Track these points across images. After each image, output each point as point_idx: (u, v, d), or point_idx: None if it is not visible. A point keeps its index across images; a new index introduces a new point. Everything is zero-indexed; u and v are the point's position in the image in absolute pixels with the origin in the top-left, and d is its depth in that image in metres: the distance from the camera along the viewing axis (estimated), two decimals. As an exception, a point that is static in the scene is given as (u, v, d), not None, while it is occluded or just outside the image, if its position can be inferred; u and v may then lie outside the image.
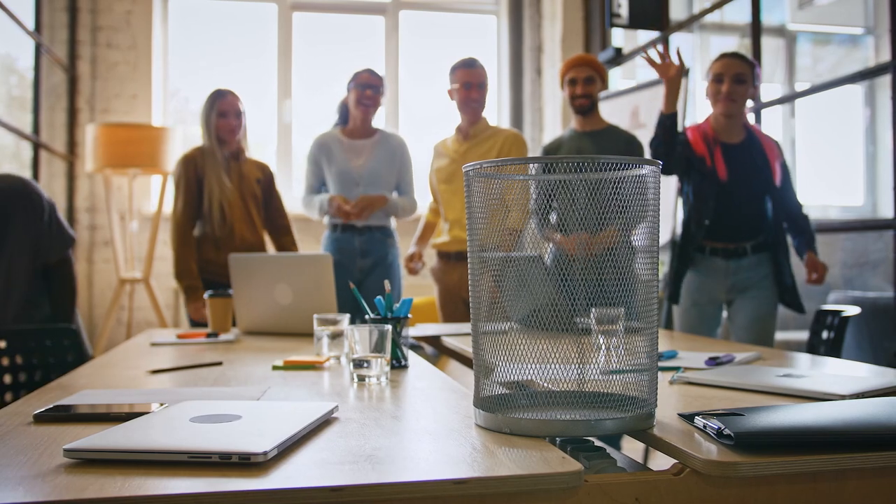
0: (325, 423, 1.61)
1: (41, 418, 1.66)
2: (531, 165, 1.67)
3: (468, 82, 4.71)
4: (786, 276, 4.04)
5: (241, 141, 4.71)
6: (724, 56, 4.12)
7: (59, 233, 3.91)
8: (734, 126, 4.13)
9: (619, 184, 1.53)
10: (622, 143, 4.44)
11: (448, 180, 4.76)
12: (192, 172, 4.58)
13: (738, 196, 4.06)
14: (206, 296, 3.55)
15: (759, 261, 4.07)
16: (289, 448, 1.38)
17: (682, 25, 6.72)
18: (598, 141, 4.48)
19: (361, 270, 4.79)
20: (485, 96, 4.79)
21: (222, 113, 4.60)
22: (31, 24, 6.67)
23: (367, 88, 4.80)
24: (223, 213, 4.55)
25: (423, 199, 5.16)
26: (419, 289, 6.87)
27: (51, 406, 1.73)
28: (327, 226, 4.92)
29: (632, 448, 4.56)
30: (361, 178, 4.79)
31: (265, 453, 1.27)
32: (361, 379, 2.15)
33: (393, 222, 4.98)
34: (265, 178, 4.80)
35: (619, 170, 1.53)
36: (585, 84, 4.50)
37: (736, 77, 4.04)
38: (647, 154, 4.28)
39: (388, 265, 4.89)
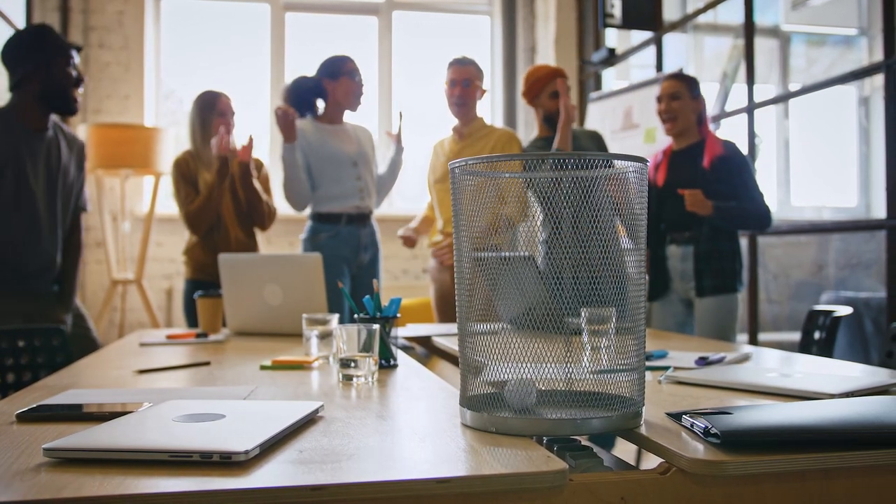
0: (309, 422, 1.60)
1: (24, 418, 1.64)
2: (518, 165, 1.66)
3: (453, 80, 4.70)
4: (700, 261, 4.24)
5: (232, 141, 4.69)
6: (664, 79, 4.48)
7: (83, 193, 4.18)
8: (682, 135, 4.42)
9: (610, 181, 1.52)
10: (591, 142, 4.62)
11: (443, 179, 4.74)
12: (188, 173, 4.56)
13: (673, 195, 4.29)
14: (195, 296, 3.54)
15: (690, 253, 4.29)
16: (271, 447, 1.37)
17: (676, 26, 6.71)
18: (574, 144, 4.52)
19: (360, 266, 4.74)
20: (472, 94, 4.73)
21: (221, 112, 4.60)
22: (22, 25, 6.65)
23: (362, 79, 4.76)
24: (218, 215, 4.54)
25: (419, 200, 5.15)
26: (413, 290, 6.87)
27: (33, 406, 1.72)
28: (318, 218, 4.69)
29: (625, 449, 4.55)
30: (359, 157, 4.69)
31: (246, 452, 1.26)
32: (349, 378, 2.14)
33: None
34: (255, 170, 4.76)
35: (607, 167, 1.52)
36: (566, 94, 4.53)
37: (671, 96, 4.37)
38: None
39: (379, 257, 4.89)
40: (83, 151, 4.19)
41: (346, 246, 4.61)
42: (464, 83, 4.68)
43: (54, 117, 4.00)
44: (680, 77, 4.40)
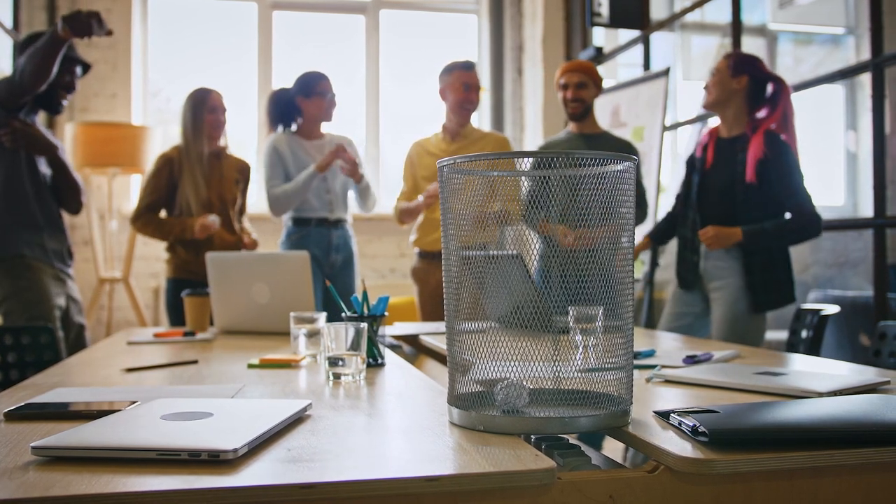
0: (297, 420, 1.59)
1: (11, 416, 1.64)
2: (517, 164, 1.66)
3: (468, 84, 4.76)
4: (755, 274, 3.95)
5: (224, 138, 4.71)
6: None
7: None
8: (725, 120, 4.15)
9: (598, 180, 1.52)
10: (619, 149, 4.46)
11: (432, 178, 4.76)
12: (167, 174, 4.57)
13: (713, 184, 4.10)
14: (183, 295, 3.53)
15: (728, 253, 4.01)
16: (260, 445, 1.36)
17: (663, 25, 6.72)
18: (594, 144, 4.52)
19: (333, 266, 4.79)
20: (478, 99, 4.85)
21: (212, 109, 4.60)
22: (9, 23, 6.63)
23: (333, 95, 4.87)
24: (200, 214, 4.54)
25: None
26: (401, 288, 6.86)
27: (21, 404, 1.71)
28: (291, 221, 4.85)
29: (613, 448, 4.56)
30: (329, 171, 4.78)
31: (235, 450, 1.25)
32: (337, 377, 2.14)
33: (350, 217, 4.98)
34: (243, 180, 4.79)
35: (596, 166, 1.52)
36: (577, 89, 4.54)
37: (711, 71, 4.14)
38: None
39: (353, 261, 4.96)
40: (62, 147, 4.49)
41: (315, 246, 4.70)
42: (477, 88, 4.78)
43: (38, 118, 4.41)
44: (728, 54, 4.15)
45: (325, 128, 4.93)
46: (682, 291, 4.24)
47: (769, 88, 4.08)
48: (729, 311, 3.99)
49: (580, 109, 4.56)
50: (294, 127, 4.91)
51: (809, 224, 3.90)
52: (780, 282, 3.96)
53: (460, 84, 4.77)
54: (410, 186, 4.96)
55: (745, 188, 3.96)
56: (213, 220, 4.45)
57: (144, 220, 4.57)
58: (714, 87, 4.11)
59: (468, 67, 4.81)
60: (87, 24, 3.82)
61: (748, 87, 4.05)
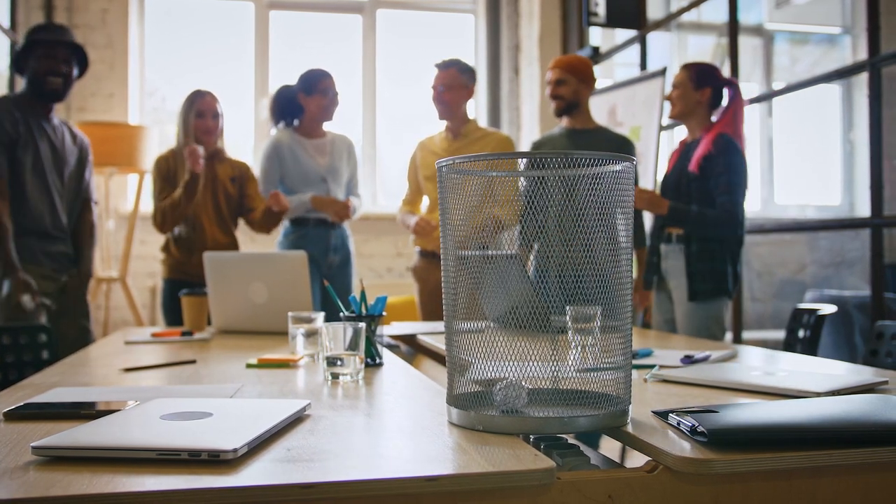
0: (297, 420, 1.59)
1: (11, 416, 1.64)
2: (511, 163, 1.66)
3: (433, 84, 4.74)
4: (692, 264, 4.11)
5: (219, 142, 4.68)
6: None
7: (90, 186, 4.61)
8: (690, 126, 4.34)
9: (595, 180, 1.52)
10: (614, 144, 4.46)
11: (434, 177, 4.75)
12: (167, 173, 4.56)
13: (669, 183, 4.30)
14: (180, 294, 3.53)
15: (680, 251, 4.18)
16: (259, 445, 1.36)
17: (660, 24, 6.72)
18: (585, 139, 4.50)
19: (331, 266, 4.79)
20: (449, 98, 4.77)
21: (200, 113, 4.57)
22: (6, 23, 6.63)
23: (336, 94, 4.86)
24: (193, 216, 4.52)
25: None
26: (398, 288, 6.85)
27: (21, 404, 1.71)
28: (289, 221, 4.86)
29: (610, 447, 4.56)
30: (329, 173, 4.82)
31: (235, 450, 1.25)
32: (335, 377, 2.14)
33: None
34: (240, 176, 4.75)
35: (594, 166, 1.52)
36: (556, 86, 4.52)
37: (674, 84, 4.33)
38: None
39: (351, 261, 4.97)
40: (86, 149, 4.52)
41: (314, 246, 4.70)
42: (439, 88, 4.72)
43: (60, 117, 4.39)
44: (688, 66, 4.31)
45: (326, 127, 4.93)
46: (658, 302, 4.41)
47: (726, 94, 4.28)
48: (683, 307, 4.16)
49: (562, 106, 4.56)
50: (296, 123, 4.91)
51: (727, 222, 4.05)
52: (715, 273, 4.09)
53: (433, 84, 4.79)
54: (413, 189, 4.97)
55: (688, 179, 4.14)
56: (190, 150, 4.39)
57: (164, 217, 4.53)
58: (678, 100, 4.28)
59: (442, 67, 4.79)
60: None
61: (710, 97, 4.25)
